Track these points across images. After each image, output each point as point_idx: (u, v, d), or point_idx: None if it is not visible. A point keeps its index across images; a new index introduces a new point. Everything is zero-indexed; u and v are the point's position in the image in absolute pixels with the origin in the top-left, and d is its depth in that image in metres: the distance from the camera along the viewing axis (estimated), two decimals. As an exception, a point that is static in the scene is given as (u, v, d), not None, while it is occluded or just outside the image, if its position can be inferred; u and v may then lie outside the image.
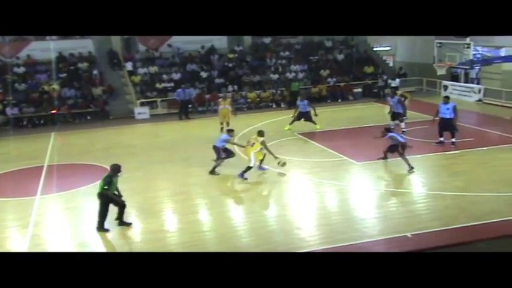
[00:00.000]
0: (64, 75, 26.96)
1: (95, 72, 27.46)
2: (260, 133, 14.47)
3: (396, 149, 14.50)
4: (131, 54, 29.18)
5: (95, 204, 11.25)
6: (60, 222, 12.16)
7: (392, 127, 18.10)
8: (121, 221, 11.31)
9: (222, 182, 14.53)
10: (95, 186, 14.25)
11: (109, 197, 11.05)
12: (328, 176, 14.29)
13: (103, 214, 11.09)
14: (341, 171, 14.90)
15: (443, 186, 12.96)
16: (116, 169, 11.28)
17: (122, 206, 11.28)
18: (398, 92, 20.91)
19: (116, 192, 11.34)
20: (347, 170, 15.03)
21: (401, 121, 18.66)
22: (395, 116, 18.88)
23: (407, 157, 14.35)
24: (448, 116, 16.42)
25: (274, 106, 26.89)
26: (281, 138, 18.97)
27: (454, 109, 16.42)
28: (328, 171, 14.74)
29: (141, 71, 28.26)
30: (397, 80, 27.32)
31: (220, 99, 21.53)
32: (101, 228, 11.07)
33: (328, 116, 23.17)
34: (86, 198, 13.13)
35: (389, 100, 19.52)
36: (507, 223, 10.41)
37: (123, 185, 14.33)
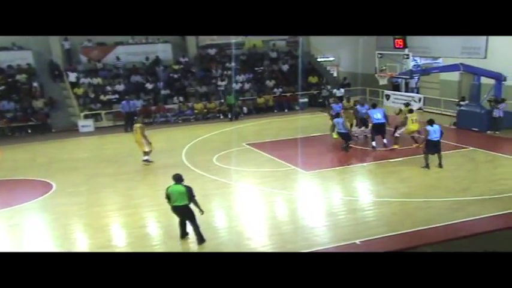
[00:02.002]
0: (1, 87, 25.82)
1: (35, 84, 26.48)
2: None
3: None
4: (73, 66, 28.35)
5: (40, 221, 10.80)
6: (3, 240, 11.54)
7: (357, 135, 18.82)
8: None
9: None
10: (38, 202, 13.80)
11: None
12: (277, 186, 14.36)
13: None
14: (290, 180, 15.02)
15: (390, 192, 13.31)
16: (180, 178, 10.60)
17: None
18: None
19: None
20: (296, 179, 15.16)
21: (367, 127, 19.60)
22: (363, 123, 19.75)
23: None
24: (382, 121, 17.73)
25: (221, 117, 26.81)
26: (229, 148, 18.93)
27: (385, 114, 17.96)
28: (277, 181, 14.81)
29: (84, 81, 27.49)
30: (342, 90, 27.98)
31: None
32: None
33: (275, 126, 23.40)
34: (29, 214, 12.57)
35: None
36: (449, 227, 10.80)
37: (67, 199, 13.93)
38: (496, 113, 19.82)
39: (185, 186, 10.46)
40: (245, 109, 27.84)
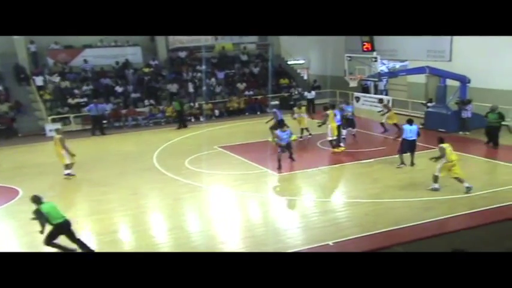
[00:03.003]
0: (-36, 91, 25.11)
1: (0, 88, 25.80)
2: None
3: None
4: (40, 69, 27.74)
5: (5, 229, 10.51)
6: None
7: (344, 136, 19.26)
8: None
9: (141, 199, 14.10)
10: (3, 209, 13.40)
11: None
12: (250, 188, 14.36)
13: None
14: (262, 183, 15.04)
15: (362, 194, 13.45)
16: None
17: None
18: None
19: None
20: (268, 182, 15.19)
21: (353, 128, 20.15)
22: (349, 123, 19.97)
23: None
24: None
25: (192, 120, 26.66)
26: (202, 152, 18.82)
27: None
28: (249, 184, 14.81)
29: (51, 83, 26.93)
30: (313, 93, 28.17)
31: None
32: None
33: (247, 129, 23.39)
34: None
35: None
36: (421, 226, 10.99)
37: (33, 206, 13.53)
38: (464, 114, 20.28)
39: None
40: (217, 112, 27.81)
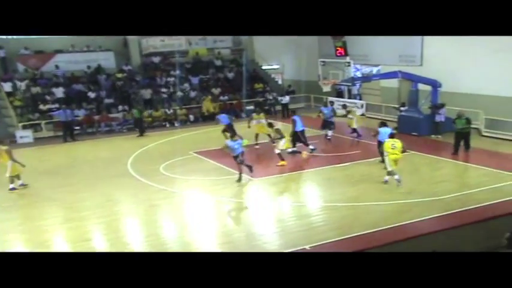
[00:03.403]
0: None
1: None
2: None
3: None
4: (9, 75, 27.13)
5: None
6: None
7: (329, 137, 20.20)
8: None
9: (115, 205, 13.89)
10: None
11: None
12: (226, 194, 14.31)
13: None
14: (238, 188, 14.98)
15: (338, 197, 13.51)
16: None
17: None
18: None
19: None
20: (244, 187, 15.13)
21: (330, 129, 20.54)
22: (326, 124, 20.56)
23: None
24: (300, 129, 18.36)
25: (167, 125, 26.45)
26: (177, 157, 18.64)
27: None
28: (226, 189, 14.75)
29: (21, 87, 26.34)
30: (287, 97, 28.20)
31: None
32: None
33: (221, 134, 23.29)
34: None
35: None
36: (397, 229, 11.10)
37: (4, 214, 13.22)
38: (438, 118, 20.60)
39: None
40: (191, 117, 27.67)
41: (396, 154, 13.71)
